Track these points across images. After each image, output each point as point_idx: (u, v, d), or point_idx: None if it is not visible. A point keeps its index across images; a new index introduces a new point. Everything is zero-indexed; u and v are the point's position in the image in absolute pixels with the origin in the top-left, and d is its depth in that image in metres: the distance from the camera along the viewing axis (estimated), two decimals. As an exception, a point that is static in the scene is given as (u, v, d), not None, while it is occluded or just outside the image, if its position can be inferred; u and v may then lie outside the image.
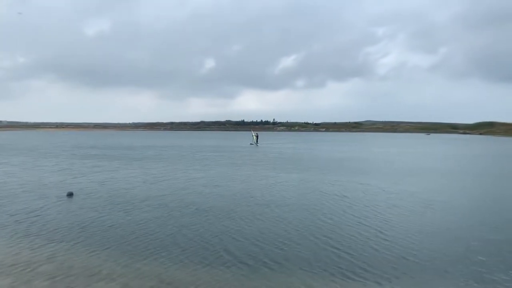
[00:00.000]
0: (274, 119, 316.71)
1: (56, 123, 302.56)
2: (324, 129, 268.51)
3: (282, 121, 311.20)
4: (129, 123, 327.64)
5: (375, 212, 13.36)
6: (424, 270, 8.09)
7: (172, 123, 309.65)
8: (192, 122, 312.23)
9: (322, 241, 10.02)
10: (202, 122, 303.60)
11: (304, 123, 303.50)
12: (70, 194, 16.24)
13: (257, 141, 62.75)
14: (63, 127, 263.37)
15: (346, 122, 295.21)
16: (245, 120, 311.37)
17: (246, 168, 26.94)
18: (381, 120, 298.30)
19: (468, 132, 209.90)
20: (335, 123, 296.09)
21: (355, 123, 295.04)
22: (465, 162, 35.75)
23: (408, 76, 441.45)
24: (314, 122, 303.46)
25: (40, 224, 11.52)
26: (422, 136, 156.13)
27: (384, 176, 23.26)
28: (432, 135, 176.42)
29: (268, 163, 31.15)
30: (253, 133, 65.88)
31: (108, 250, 9.25)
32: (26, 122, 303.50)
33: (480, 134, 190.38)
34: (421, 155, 45.25)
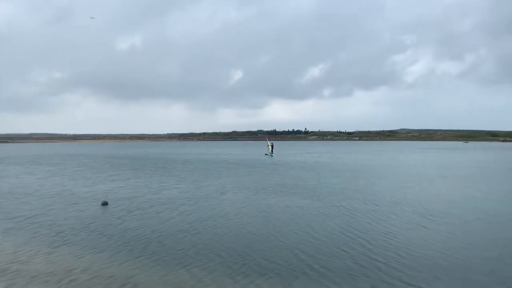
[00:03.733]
0: (306, 128, 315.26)
1: (93, 134, 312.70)
2: (357, 138, 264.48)
3: (314, 130, 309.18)
4: (164, 134, 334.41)
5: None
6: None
7: (205, 133, 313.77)
8: (224, 132, 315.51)
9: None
10: (234, 132, 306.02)
11: (337, 132, 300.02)
12: (104, 203, 16.42)
13: (272, 151, 59.89)
14: (100, 139, 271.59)
15: (380, 131, 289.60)
16: (277, 130, 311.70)
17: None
18: (415, 128, 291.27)
19: (508, 139, 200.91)
20: (368, 131, 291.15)
21: (390, 131, 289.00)
22: None
23: (437, 84, 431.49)
24: (346, 131, 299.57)
25: (76, 233, 11.62)
26: (465, 145, 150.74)
27: None
28: (471, 143, 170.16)
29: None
30: (268, 143, 62.34)
31: (144, 259, 9.13)
32: (66, 134, 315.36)
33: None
34: None
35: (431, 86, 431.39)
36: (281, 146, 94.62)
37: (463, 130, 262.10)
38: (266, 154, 59.58)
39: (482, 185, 22.43)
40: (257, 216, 14.07)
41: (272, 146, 60.59)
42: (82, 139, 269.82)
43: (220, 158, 52.74)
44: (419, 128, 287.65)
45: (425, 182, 24.18)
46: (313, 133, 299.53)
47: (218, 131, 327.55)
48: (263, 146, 66.06)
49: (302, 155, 61.76)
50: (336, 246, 10.17)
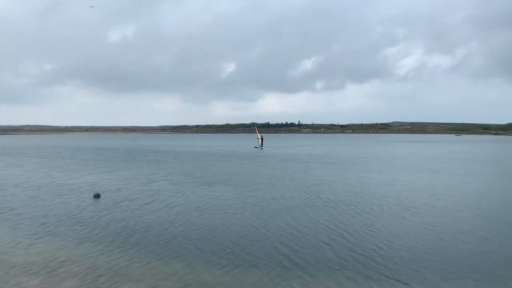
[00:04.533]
0: (299, 121, 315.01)
1: (86, 126, 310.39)
2: (350, 131, 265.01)
3: (307, 123, 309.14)
4: (156, 126, 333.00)
5: None
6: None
7: (198, 126, 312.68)
8: (217, 124, 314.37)
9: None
10: (228, 125, 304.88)
11: (330, 124, 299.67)
12: (97, 196, 16.40)
13: (262, 144, 58.98)
14: (92, 131, 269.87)
15: (373, 124, 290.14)
16: (270, 122, 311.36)
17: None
18: (408, 121, 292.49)
19: (500, 132, 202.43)
20: (361, 124, 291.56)
21: (383, 124, 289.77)
22: None
23: (429, 77, 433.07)
24: (340, 124, 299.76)
25: (68, 225, 11.62)
26: (456, 138, 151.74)
27: None
28: (463, 136, 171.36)
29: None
30: (258, 136, 60.82)
31: (136, 251, 9.22)
32: (57, 126, 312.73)
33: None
34: None
35: (423, 80, 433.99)
36: (272, 139, 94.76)
37: (455, 123, 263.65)
38: (256, 147, 58.94)
39: (470, 178, 22.69)
40: (242, 208, 14.14)
41: (262, 139, 59.67)
42: (74, 131, 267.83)
43: (211, 151, 52.73)
44: (412, 121, 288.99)
45: (412, 174, 24.35)
46: (307, 126, 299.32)
47: (211, 123, 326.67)
48: (255, 139, 65.19)
49: (293, 148, 61.81)
50: (317, 238, 10.28)
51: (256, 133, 62.66)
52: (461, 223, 11.94)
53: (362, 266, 8.20)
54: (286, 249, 9.33)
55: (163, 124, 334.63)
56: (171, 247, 9.54)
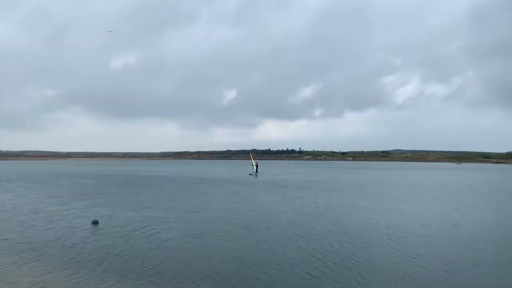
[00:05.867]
0: (300, 148, 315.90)
1: (87, 152, 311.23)
2: (351, 158, 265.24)
3: (308, 149, 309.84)
4: (157, 152, 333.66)
5: None
6: None
7: (199, 152, 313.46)
8: (218, 151, 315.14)
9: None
10: (228, 151, 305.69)
11: (331, 152, 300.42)
12: (95, 222, 16.36)
13: (257, 171, 56.92)
14: (93, 157, 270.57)
15: (374, 151, 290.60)
16: (271, 149, 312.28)
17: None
18: (407, 148, 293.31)
19: (501, 161, 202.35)
20: (362, 152, 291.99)
21: (383, 152, 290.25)
22: None
23: (426, 105, 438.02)
24: (340, 151, 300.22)
25: (65, 252, 11.60)
26: (458, 166, 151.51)
27: None
28: (464, 164, 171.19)
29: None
30: (253, 162, 58.66)
31: (133, 279, 9.22)
32: (59, 152, 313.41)
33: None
34: None
35: (420, 108, 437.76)
36: (271, 166, 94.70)
37: (455, 151, 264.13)
38: (250, 174, 57.37)
39: (465, 208, 22.64)
40: (232, 235, 14.12)
41: (257, 166, 58.09)
42: (75, 157, 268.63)
43: (207, 177, 52.71)
44: (412, 149, 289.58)
45: (407, 203, 24.28)
46: (307, 153, 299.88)
47: (212, 149, 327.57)
48: (250, 165, 62.61)
49: (289, 175, 61.65)
50: (300, 267, 10.25)
51: (251, 159, 60.43)
52: (446, 253, 11.88)
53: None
54: (263, 276, 9.34)
55: (164, 150, 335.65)
56: (161, 273, 9.58)
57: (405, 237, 14.09)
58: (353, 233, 14.72)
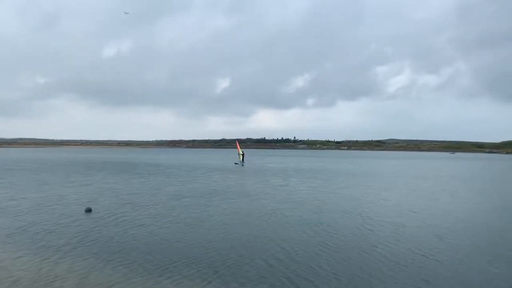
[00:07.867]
0: (294, 137, 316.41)
1: (81, 140, 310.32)
2: (346, 147, 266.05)
3: (302, 138, 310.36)
4: (152, 141, 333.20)
5: None
6: None
7: (194, 140, 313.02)
8: (213, 139, 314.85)
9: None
10: (223, 140, 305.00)
11: (326, 141, 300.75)
12: (88, 210, 16.34)
13: (243, 160, 54.55)
14: (87, 145, 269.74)
15: (369, 140, 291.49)
16: (266, 138, 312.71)
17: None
18: (401, 138, 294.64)
19: (494, 151, 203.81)
20: (356, 141, 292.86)
21: (377, 141, 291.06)
22: None
23: (417, 95, 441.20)
24: (335, 140, 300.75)
25: (60, 240, 11.60)
26: (452, 155, 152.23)
27: None
28: (458, 153, 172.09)
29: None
30: (240, 151, 55.51)
31: (127, 266, 9.27)
32: (52, 140, 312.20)
33: (507, 153, 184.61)
34: None
35: (412, 98, 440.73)
36: (266, 154, 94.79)
37: (449, 141, 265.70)
38: (236, 164, 55.37)
39: (446, 197, 22.82)
40: (220, 222, 14.18)
41: (243, 155, 55.39)
42: (69, 144, 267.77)
43: (202, 164, 52.72)
44: (406, 138, 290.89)
45: (395, 193, 24.44)
46: (302, 142, 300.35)
47: (207, 138, 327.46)
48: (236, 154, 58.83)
49: (278, 164, 61.65)
50: (263, 255, 10.32)
51: (237, 148, 57.38)
52: (420, 244, 11.98)
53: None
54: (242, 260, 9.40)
55: (158, 139, 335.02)
56: (160, 262, 9.62)
57: (381, 225, 14.20)
58: (327, 221, 14.81)
